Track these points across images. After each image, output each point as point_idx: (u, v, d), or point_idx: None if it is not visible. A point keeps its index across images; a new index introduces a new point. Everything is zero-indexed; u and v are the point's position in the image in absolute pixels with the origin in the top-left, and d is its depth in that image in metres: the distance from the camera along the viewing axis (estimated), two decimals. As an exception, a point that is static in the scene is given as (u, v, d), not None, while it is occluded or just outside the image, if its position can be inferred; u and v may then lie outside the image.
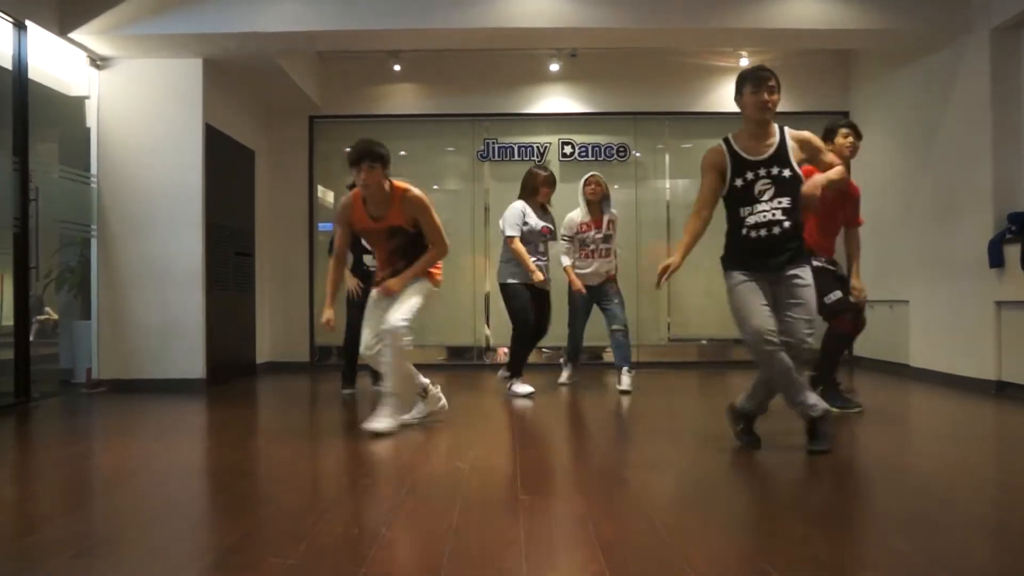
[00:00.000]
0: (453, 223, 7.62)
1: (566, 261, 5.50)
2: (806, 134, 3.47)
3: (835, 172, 3.48)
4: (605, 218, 5.51)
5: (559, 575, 2.00)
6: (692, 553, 2.05)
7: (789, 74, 7.46)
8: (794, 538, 2.24)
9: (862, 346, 6.62)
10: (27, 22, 4.98)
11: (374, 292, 4.05)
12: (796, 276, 3.31)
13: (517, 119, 7.65)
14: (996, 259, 5.13)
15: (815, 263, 3.97)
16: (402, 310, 3.83)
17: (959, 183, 5.67)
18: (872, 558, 2.06)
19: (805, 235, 3.67)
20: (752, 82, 3.35)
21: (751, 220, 3.32)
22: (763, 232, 3.30)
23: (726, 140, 3.43)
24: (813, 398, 3.36)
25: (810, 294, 3.33)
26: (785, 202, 3.31)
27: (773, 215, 3.30)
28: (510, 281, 5.30)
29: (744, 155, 3.35)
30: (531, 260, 5.23)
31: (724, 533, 2.31)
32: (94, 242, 5.77)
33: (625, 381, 5.36)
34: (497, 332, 7.61)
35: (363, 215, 3.92)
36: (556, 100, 7.58)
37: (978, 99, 5.43)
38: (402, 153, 7.87)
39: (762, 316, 3.24)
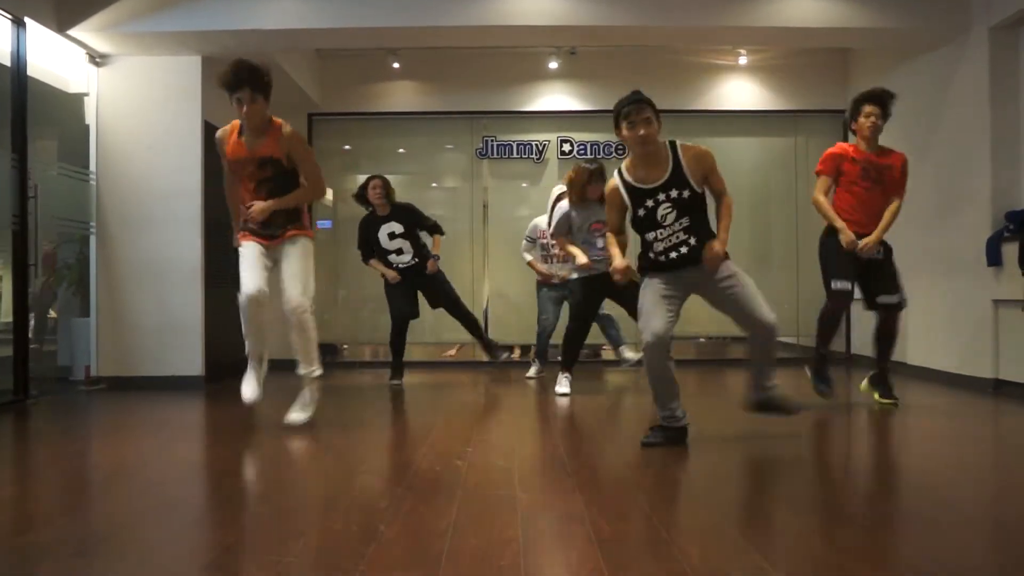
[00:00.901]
0: (451, 221, 7.63)
1: (528, 258, 6.16)
2: (699, 151, 3.40)
3: (724, 224, 3.43)
4: None
5: (557, 573, 2.01)
6: (690, 551, 2.05)
7: (788, 72, 7.51)
8: (792, 536, 2.24)
9: (860, 344, 6.63)
10: (26, 19, 4.97)
11: (245, 241, 3.92)
12: (717, 280, 3.36)
13: (516, 117, 7.64)
14: (994, 258, 5.14)
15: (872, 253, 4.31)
16: (299, 286, 3.78)
17: (957, 181, 5.68)
18: (870, 556, 2.07)
19: (846, 216, 4.22)
20: (625, 118, 3.32)
21: (659, 246, 3.37)
22: (673, 255, 3.35)
23: (619, 173, 3.44)
24: (680, 409, 3.47)
25: (743, 281, 3.39)
26: (686, 221, 3.34)
27: (678, 237, 3.34)
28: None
29: (639, 185, 3.36)
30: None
31: (722, 531, 2.31)
32: (93, 239, 5.77)
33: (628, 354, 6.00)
34: (495, 329, 7.61)
35: (236, 143, 3.87)
36: (555, 98, 7.58)
37: (977, 97, 5.43)
38: (401, 151, 7.88)
39: (660, 320, 3.31)
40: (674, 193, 3.32)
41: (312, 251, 3.98)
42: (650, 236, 3.39)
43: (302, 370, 3.98)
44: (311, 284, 3.85)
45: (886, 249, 4.51)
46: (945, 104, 5.84)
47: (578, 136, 7.61)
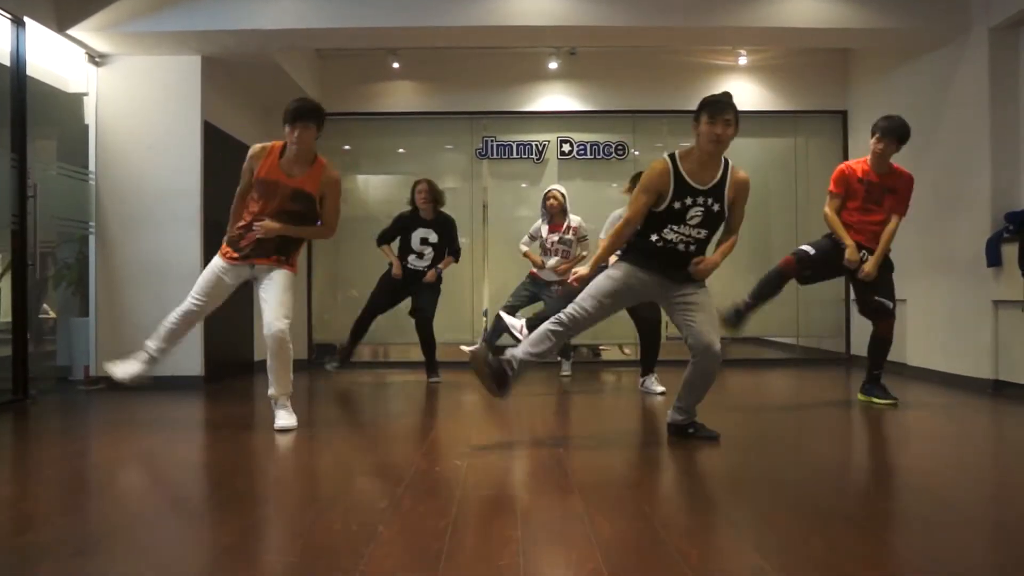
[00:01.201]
0: (452, 220, 7.63)
1: (524, 249, 6.26)
2: (745, 178, 3.49)
3: (724, 249, 3.52)
4: (566, 225, 6.13)
5: (556, 573, 2.01)
6: (689, 551, 2.05)
7: (788, 73, 7.52)
8: (791, 537, 2.24)
9: (859, 345, 6.63)
10: (25, 18, 4.97)
11: (223, 264, 3.92)
12: (692, 295, 3.42)
13: (516, 117, 7.64)
14: (994, 258, 5.14)
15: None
16: (282, 312, 3.81)
17: (957, 182, 5.68)
18: (869, 557, 2.07)
19: (852, 231, 4.37)
20: (709, 112, 3.37)
21: (668, 235, 3.39)
22: (680, 248, 3.41)
23: (673, 158, 3.42)
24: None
25: (707, 301, 3.44)
26: (704, 233, 3.41)
27: (688, 239, 3.39)
28: None
29: (689, 180, 3.38)
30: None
31: (721, 531, 2.32)
32: (92, 239, 5.77)
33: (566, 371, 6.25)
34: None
35: (273, 166, 3.89)
36: (555, 98, 7.58)
37: (976, 98, 5.43)
38: (400, 151, 7.88)
39: (585, 312, 3.37)
40: (711, 202, 3.38)
41: (293, 285, 3.99)
42: (666, 227, 3.39)
43: (274, 391, 3.94)
44: (291, 313, 3.88)
45: (885, 263, 4.59)
46: (945, 104, 5.84)
47: (578, 136, 7.61)
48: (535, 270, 6.19)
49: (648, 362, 5.33)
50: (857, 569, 1.95)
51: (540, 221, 6.23)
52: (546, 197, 6.15)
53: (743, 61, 7.38)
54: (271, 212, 3.87)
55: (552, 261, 6.11)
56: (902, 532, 2.27)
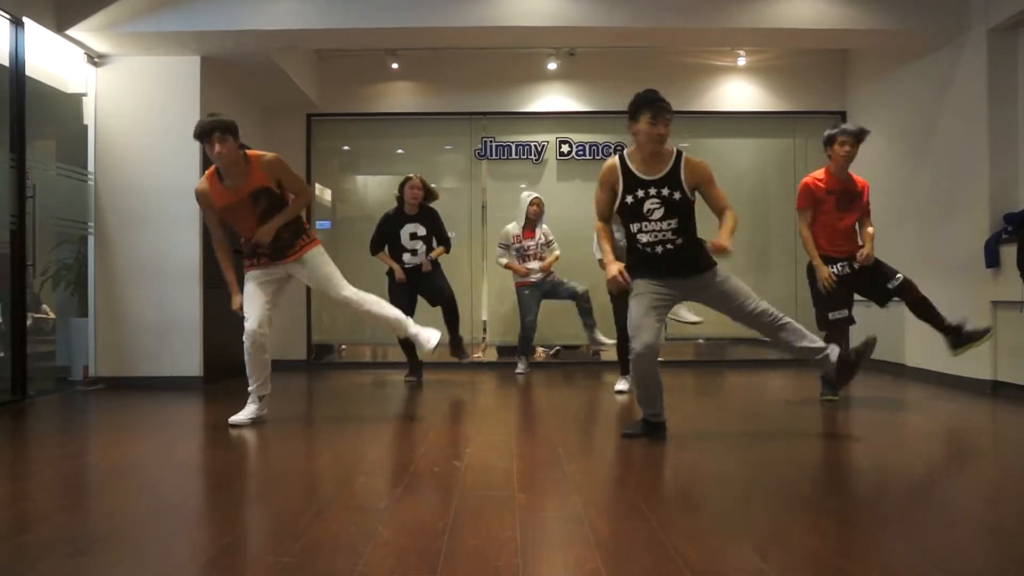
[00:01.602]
0: (450, 221, 7.62)
1: (504, 261, 6.51)
2: (698, 163, 3.53)
3: (728, 226, 3.50)
4: (538, 231, 6.51)
5: (555, 573, 2.01)
6: (688, 551, 2.05)
7: (786, 74, 7.52)
8: (789, 537, 2.25)
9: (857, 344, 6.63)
10: (24, 19, 4.97)
11: (253, 272, 4.07)
12: (702, 289, 3.53)
13: (515, 117, 7.65)
14: (992, 259, 5.14)
15: (835, 269, 4.59)
16: (340, 284, 4.03)
17: (955, 183, 5.69)
18: (867, 558, 2.07)
19: (830, 245, 4.50)
20: (651, 112, 3.41)
21: (643, 238, 3.50)
22: (658, 249, 3.48)
23: (621, 157, 3.55)
24: (662, 408, 3.64)
25: (728, 286, 3.52)
26: (675, 223, 3.46)
27: (663, 235, 3.46)
28: None
29: (637, 174, 3.48)
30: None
31: (720, 532, 2.32)
32: (91, 239, 5.77)
33: (600, 339, 6.35)
34: (494, 329, 7.62)
35: (221, 191, 3.93)
36: (554, 99, 7.58)
37: (975, 99, 5.44)
38: (399, 151, 7.88)
39: (648, 332, 3.44)
40: (665, 191, 3.45)
41: (325, 253, 4.14)
42: (634, 228, 3.52)
43: (394, 329, 4.28)
44: (342, 279, 4.09)
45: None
46: (943, 106, 5.84)
47: (577, 137, 7.62)
48: (522, 279, 6.47)
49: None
50: (856, 569, 1.95)
51: (513, 227, 6.52)
52: (530, 203, 6.45)
53: (742, 62, 7.38)
54: (254, 226, 3.97)
55: (534, 264, 6.43)
56: (901, 533, 2.27)
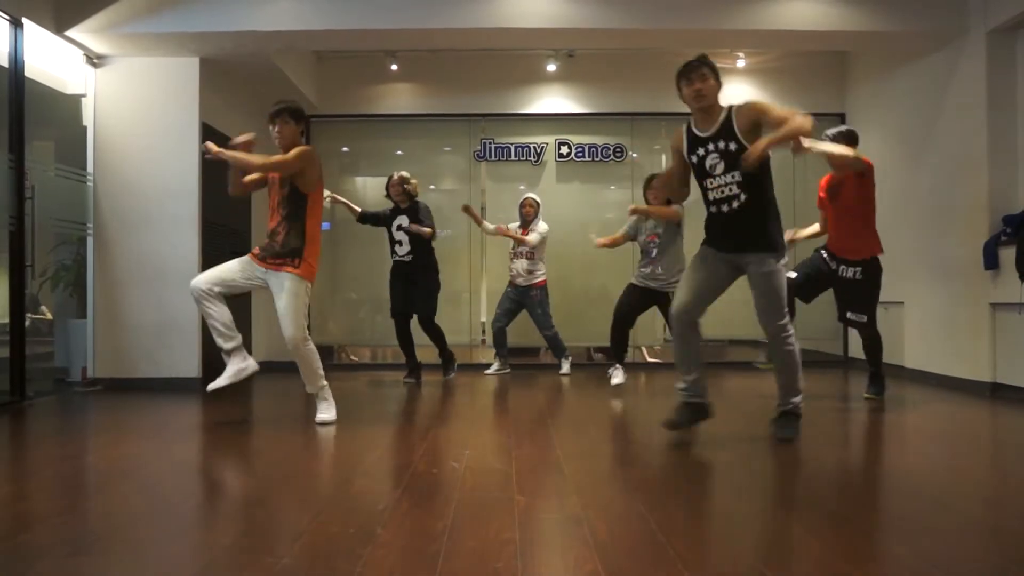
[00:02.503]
0: (449, 223, 7.63)
1: (491, 227, 6.73)
2: (745, 104, 3.54)
3: (787, 129, 3.31)
4: (533, 235, 6.56)
5: (554, 575, 2.01)
6: (687, 554, 2.05)
7: (786, 75, 7.53)
8: (789, 539, 2.24)
9: (856, 347, 6.64)
10: (24, 19, 4.97)
11: (247, 259, 4.17)
12: (752, 265, 3.55)
13: (514, 119, 7.65)
14: (991, 261, 5.15)
15: (824, 254, 4.77)
16: (291, 323, 4.02)
17: (955, 185, 5.69)
18: (867, 560, 2.07)
19: (831, 242, 4.69)
20: (684, 77, 3.55)
21: (711, 195, 3.58)
22: (724, 208, 3.53)
23: (688, 122, 3.67)
24: (701, 384, 3.65)
25: (767, 284, 3.52)
26: (737, 176, 3.48)
27: (730, 190, 3.50)
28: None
29: (696, 132, 3.59)
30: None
31: (719, 534, 2.31)
32: (90, 240, 5.76)
33: (564, 367, 6.63)
34: (491, 332, 7.61)
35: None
36: (553, 100, 7.59)
37: (974, 101, 5.45)
38: (399, 152, 7.88)
39: (686, 292, 3.62)
40: (722, 144, 3.49)
41: (303, 292, 4.10)
42: (704, 184, 3.59)
43: (309, 390, 4.26)
44: (301, 320, 4.06)
45: (867, 269, 4.73)
46: (942, 107, 5.85)
47: (576, 139, 7.62)
48: (511, 277, 6.64)
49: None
50: (855, 572, 1.95)
51: (514, 226, 6.66)
52: (523, 204, 6.57)
53: (741, 63, 7.39)
54: (275, 208, 4.17)
55: (522, 263, 6.56)
56: (900, 534, 2.27)
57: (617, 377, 5.73)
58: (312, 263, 4.14)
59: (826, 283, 4.88)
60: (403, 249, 5.98)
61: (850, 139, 4.69)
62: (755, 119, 3.46)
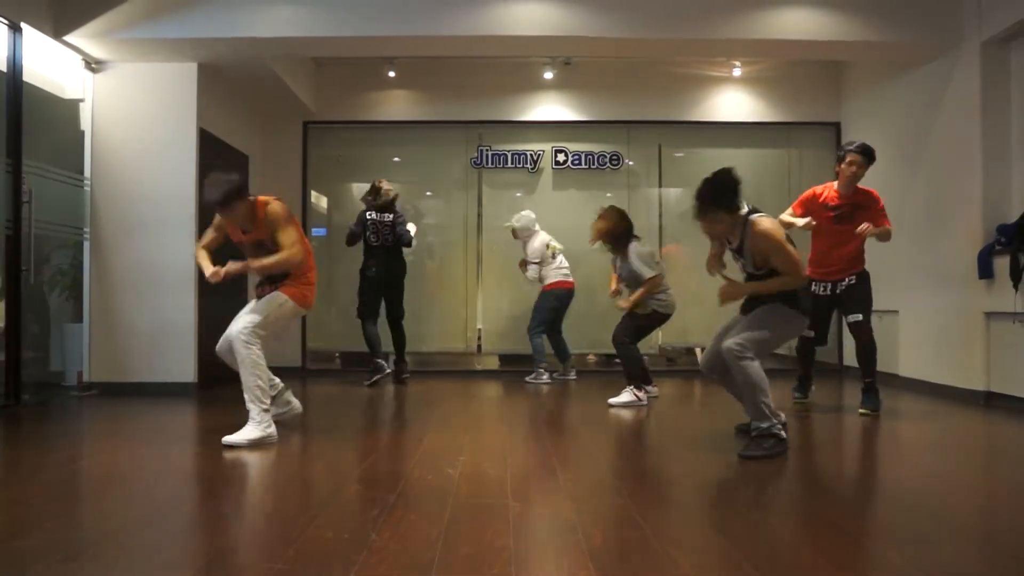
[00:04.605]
0: (445, 229, 7.65)
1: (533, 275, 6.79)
2: (758, 230, 3.57)
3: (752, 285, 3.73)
4: (528, 248, 6.71)
5: (548, 581, 2.01)
6: (681, 560, 2.06)
7: (782, 85, 7.56)
8: (783, 547, 2.25)
9: (851, 356, 6.65)
10: (22, 24, 4.98)
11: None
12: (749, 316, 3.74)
13: (511, 126, 7.67)
14: (985, 270, 5.17)
15: (817, 289, 4.81)
16: (244, 317, 3.97)
17: (949, 194, 5.72)
18: (861, 568, 2.07)
19: (810, 265, 4.77)
20: (697, 218, 3.66)
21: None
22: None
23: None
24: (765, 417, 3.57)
25: (760, 312, 3.66)
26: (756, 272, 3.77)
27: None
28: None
29: (728, 242, 3.79)
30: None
31: (713, 540, 2.32)
32: (87, 245, 5.76)
33: (534, 375, 6.61)
34: (488, 337, 7.63)
35: (235, 229, 4.06)
36: (550, 108, 7.61)
37: (968, 111, 5.48)
38: (396, 159, 7.90)
39: (709, 352, 3.88)
40: (737, 259, 3.76)
41: (281, 303, 4.03)
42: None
43: (263, 407, 3.95)
44: (259, 320, 3.95)
45: (860, 276, 4.78)
46: (937, 117, 5.88)
47: (572, 146, 7.64)
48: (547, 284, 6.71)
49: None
50: (847, 579, 1.96)
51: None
52: (514, 235, 6.77)
53: (737, 72, 7.43)
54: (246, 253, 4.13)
55: (532, 269, 6.72)
56: (893, 543, 2.28)
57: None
58: (301, 288, 4.09)
59: (828, 311, 4.89)
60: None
61: (866, 154, 4.69)
62: (766, 254, 3.58)
